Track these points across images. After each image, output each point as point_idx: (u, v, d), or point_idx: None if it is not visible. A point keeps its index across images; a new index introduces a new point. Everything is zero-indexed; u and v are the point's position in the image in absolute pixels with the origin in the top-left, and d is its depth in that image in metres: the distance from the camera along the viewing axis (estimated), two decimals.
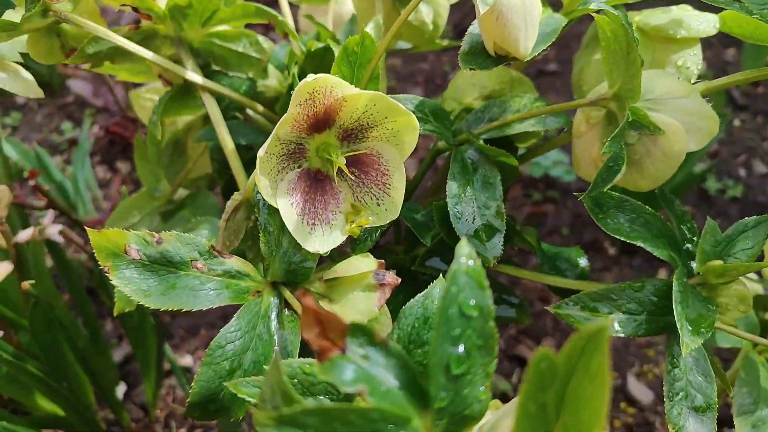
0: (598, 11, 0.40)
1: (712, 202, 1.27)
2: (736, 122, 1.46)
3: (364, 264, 0.39)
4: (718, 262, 0.38)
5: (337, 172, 0.40)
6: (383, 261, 0.41)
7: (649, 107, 0.39)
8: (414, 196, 0.51)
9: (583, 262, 0.47)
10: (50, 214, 0.75)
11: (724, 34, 1.57)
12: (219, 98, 0.52)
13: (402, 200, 0.39)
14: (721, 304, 0.40)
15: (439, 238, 0.45)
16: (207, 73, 0.55)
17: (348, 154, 0.39)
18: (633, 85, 0.37)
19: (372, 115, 0.38)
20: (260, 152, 0.35)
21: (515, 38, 0.37)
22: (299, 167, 0.39)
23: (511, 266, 0.47)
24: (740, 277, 0.40)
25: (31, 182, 0.76)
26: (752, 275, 0.69)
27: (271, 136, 0.36)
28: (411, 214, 0.46)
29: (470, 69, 0.39)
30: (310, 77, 0.34)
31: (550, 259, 0.46)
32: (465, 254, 0.23)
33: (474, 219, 0.41)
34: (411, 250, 0.49)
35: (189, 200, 0.58)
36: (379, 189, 0.40)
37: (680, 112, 0.39)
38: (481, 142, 0.44)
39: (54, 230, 0.74)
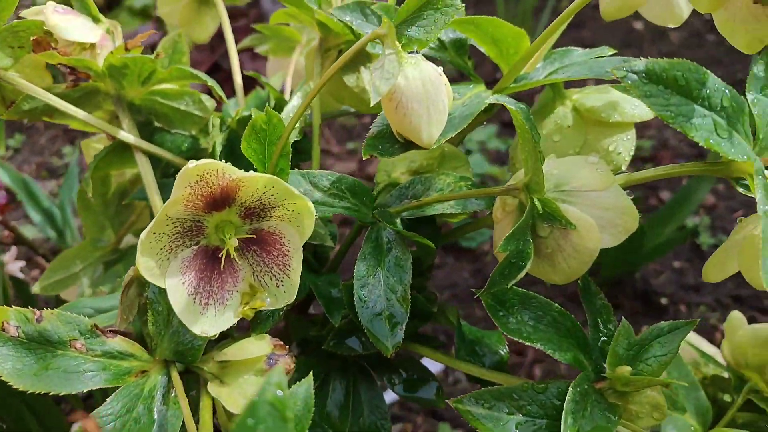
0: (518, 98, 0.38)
1: (705, 257, 1.23)
2: None
3: (256, 347, 0.38)
4: (626, 370, 0.36)
5: (238, 250, 0.39)
6: (281, 343, 0.39)
7: (563, 199, 0.37)
8: (344, 268, 0.50)
9: (502, 350, 0.44)
10: (13, 250, 0.75)
11: (731, 81, 1.53)
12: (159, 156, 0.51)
13: (298, 283, 0.38)
14: (631, 411, 0.38)
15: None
16: (149, 130, 0.54)
17: (245, 236, 0.38)
18: (539, 178, 0.35)
19: (273, 195, 0.37)
20: (143, 235, 0.34)
21: (416, 127, 0.35)
22: (196, 244, 0.38)
23: (429, 348, 0.45)
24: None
25: None
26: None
27: (156, 217, 0.35)
28: (328, 288, 0.44)
29: (375, 155, 0.37)
30: (192, 163, 0.33)
31: (469, 343, 0.44)
32: (274, 382, 0.22)
33: (379, 304, 0.39)
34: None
35: (129, 253, 0.58)
36: (280, 270, 0.39)
37: (596, 206, 0.37)
38: (398, 221, 0.42)
39: (15, 267, 0.74)
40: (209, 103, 0.54)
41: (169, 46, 0.54)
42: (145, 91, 0.52)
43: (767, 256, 0.29)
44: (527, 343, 0.36)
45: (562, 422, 0.32)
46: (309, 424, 0.31)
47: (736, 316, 0.62)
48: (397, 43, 0.35)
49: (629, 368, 0.36)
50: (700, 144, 0.33)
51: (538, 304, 0.37)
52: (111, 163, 0.52)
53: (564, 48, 0.47)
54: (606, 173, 0.38)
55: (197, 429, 0.34)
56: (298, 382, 0.35)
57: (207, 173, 0.35)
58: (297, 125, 0.48)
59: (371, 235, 0.42)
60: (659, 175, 0.38)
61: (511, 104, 0.34)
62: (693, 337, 0.70)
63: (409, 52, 0.36)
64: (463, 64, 0.45)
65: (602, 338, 0.39)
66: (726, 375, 0.63)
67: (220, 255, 0.39)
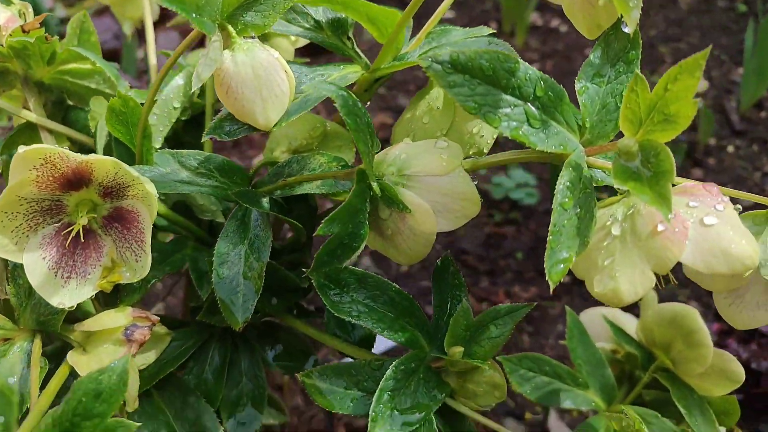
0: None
1: None
2: (730, 148, 1.37)
3: (113, 319, 0.40)
4: (458, 350, 0.37)
5: (102, 226, 0.41)
6: (146, 315, 0.42)
7: (403, 183, 0.38)
8: None
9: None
10: None
11: (738, 50, 1.49)
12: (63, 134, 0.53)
13: (151, 258, 0.40)
14: (469, 389, 0.39)
15: None
16: (64, 108, 0.56)
17: (106, 213, 0.40)
18: (368, 163, 0.36)
19: (123, 176, 0.39)
20: None
21: (250, 111, 0.36)
22: (58, 222, 0.40)
23: (302, 321, 0.46)
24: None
25: None
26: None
27: (3, 198, 0.37)
28: (204, 263, 0.46)
29: (218, 138, 0.38)
30: (22, 149, 0.35)
31: (339, 318, 0.46)
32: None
33: (236, 281, 0.41)
34: None
35: None
36: (138, 246, 0.40)
37: (434, 191, 0.37)
38: (265, 201, 0.44)
39: None
40: (119, 81, 0.56)
41: (77, 26, 0.55)
42: (53, 71, 0.54)
43: (554, 248, 0.30)
44: (355, 321, 0.37)
45: (375, 398, 0.34)
46: (122, 396, 0.33)
47: (650, 295, 0.62)
48: (229, 29, 0.36)
49: (461, 349, 0.37)
50: (506, 135, 0.33)
51: (374, 283, 0.38)
52: (17, 142, 0.54)
53: (444, 27, 0.46)
54: (450, 158, 0.38)
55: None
56: (141, 355, 0.38)
57: (51, 156, 0.37)
58: (179, 105, 0.49)
59: (237, 213, 0.43)
60: (502, 161, 0.38)
61: (331, 91, 0.35)
62: (622, 315, 0.70)
63: (246, 38, 0.37)
64: (341, 44, 0.45)
65: (450, 319, 0.40)
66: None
67: (84, 231, 0.41)
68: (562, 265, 0.30)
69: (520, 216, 1.24)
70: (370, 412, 0.33)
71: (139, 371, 0.45)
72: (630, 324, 0.67)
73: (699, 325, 0.55)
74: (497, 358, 0.55)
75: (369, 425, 0.33)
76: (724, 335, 0.94)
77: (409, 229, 0.37)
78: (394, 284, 0.39)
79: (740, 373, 0.55)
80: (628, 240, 0.31)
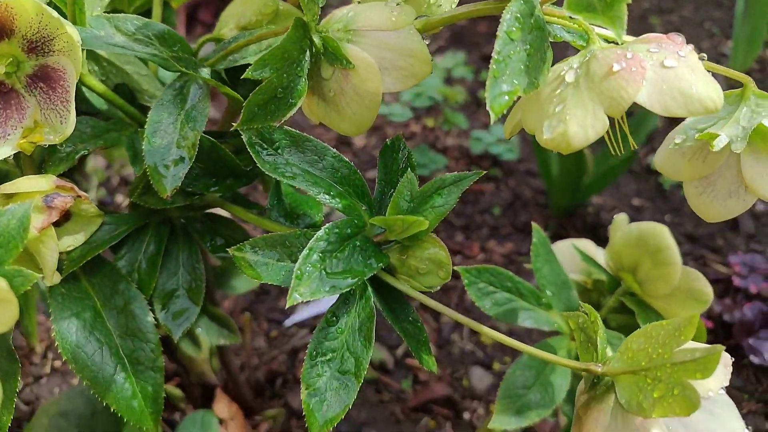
0: None
1: (666, 197, 1.19)
2: None
3: (31, 183, 0.37)
4: (399, 218, 0.34)
5: (26, 86, 0.38)
6: (70, 185, 0.39)
7: (348, 38, 0.35)
8: None
9: (317, 216, 0.43)
10: None
11: (729, 23, 1.47)
12: None
13: (75, 119, 0.37)
14: (411, 266, 0.36)
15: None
16: None
17: (31, 72, 0.37)
18: (314, 14, 0.33)
19: (47, 25, 0.36)
20: None
21: None
22: None
23: (242, 208, 0.43)
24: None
25: None
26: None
27: None
28: (133, 143, 0.43)
29: None
30: None
31: (286, 206, 0.43)
32: None
33: (168, 150, 0.38)
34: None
35: None
36: (63, 106, 0.38)
37: (380, 46, 0.35)
38: (207, 71, 0.41)
39: None
40: None
41: None
42: None
43: (497, 78, 0.27)
44: (288, 182, 0.34)
45: (302, 256, 0.31)
46: (21, 243, 0.30)
47: (620, 218, 0.60)
48: None
49: (402, 217, 0.35)
50: None
51: (313, 147, 0.35)
52: None
53: None
54: (401, 16, 0.36)
55: None
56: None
57: None
58: None
59: (175, 84, 0.41)
60: (456, 16, 0.35)
61: None
62: (593, 247, 0.68)
63: None
64: None
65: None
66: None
67: (5, 90, 0.38)
68: (506, 98, 0.27)
69: (500, 173, 1.21)
70: (295, 270, 0.31)
71: (67, 253, 0.42)
72: (601, 256, 0.65)
73: (667, 242, 0.53)
74: (456, 268, 0.52)
75: (293, 283, 0.30)
76: None
77: (353, 88, 0.35)
78: (334, 150, 0.36)
79: (708, 292, 0.53)
80: (582, 84, 0.29)
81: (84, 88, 0.46)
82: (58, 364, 0.92)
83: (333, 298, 0.97)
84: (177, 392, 0.83)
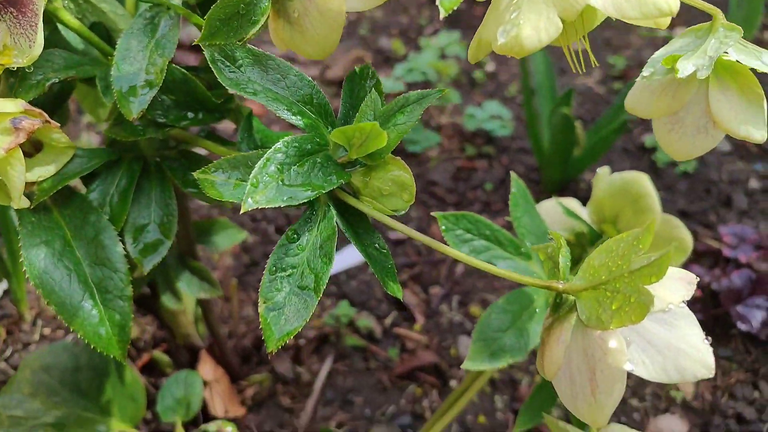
0: None
1: (660, 174, 1.18)
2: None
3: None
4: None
5: None
6: (41, 112, 0.39)
7: None
8: None
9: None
10: None
11: (723, 5, 1.45)
12: None
13: (43, 42, 0.37)
14: (375, 187, 0.36)
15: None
16: None
17: None
18: None
19: None
20: None
21: None
22: None
23: (214, 142, 0.44)
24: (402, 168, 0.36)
25: None
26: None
27: None
28: (106, 76, 0.43)
29: None
30: None
31: (255, 139, 0.43)
32: None
33: (137, 76, 0.38)
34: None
35: None
36: (32, 30, 0.38)
37: None
38: (177, 0, 0.41)
39: None
40: None
41: None
42: None
43: None
44: (250, 98, 0.34)
45: (258, 166, 0.31)
46: None
47: (602, 170, 0.59)
48: None
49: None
50: None
51: (276, 66, 0.35)
52: None
53: None
54: None
55: None
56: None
57: None
58: None
59: (146, 13, 0.41)
60: None
61: None
62: (578, 206, 0.68)
63: None
64: None
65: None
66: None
67: None
68: None
69: (494, 150, 1.21)
70: (250, 179, 0.31)
71: (38, 183, 0.42)
72: (585, 214, 0.64)
73: (648, 190, 0.53)
74: (434, 213, 0.52)
75: (248, 190, 0.30)
76: (689, 262, 0.92)
77: (316, 7, 0.35)
78: (297, 69, 0.36)
79: (688, 239, 0.53)
80: None
81: (61, 27, 0.46)
82: (47, 331, 0.92)
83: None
84: (164, 358, 0.83)
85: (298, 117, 0.35)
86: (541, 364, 0.32)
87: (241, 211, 0.30)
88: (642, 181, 0.53)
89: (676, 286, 0.31)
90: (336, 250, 1.00)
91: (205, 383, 0.76)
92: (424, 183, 1.17)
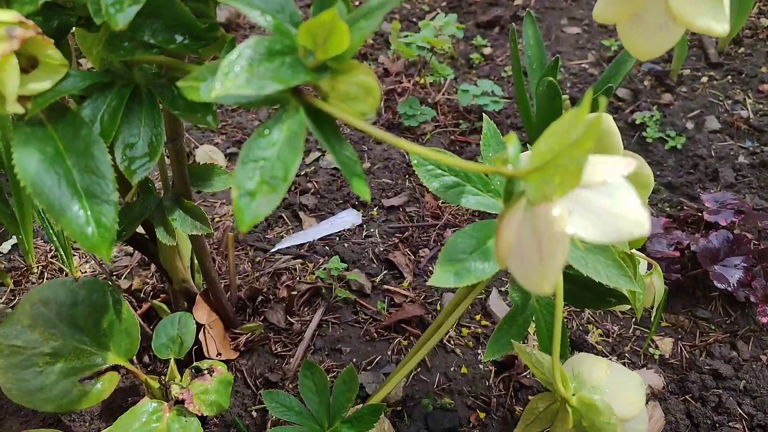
0: None
1: (649, 150, 1.19)
2: (704, 79, 1.35)
3: None
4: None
5: None
6: (34, 24, 0.41)
7: None
8: None
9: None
10: None
11: None
12: None
13: None
14: (341, 91, 0.37)
15: None
16: None
17: None
18: None
19: None
20: None
21: None
22: None
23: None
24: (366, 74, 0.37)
25: None
26: None
27: None
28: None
29: None
30: None
31: None
32: None
33: None
34: None
35: None
36: None
37: None
38: None
39: None
40: None
41: None
42: None
43: None
44: (228, 3, 0.36)
45: (228, 59, 0.33)
46: None
47: (566, 103, 0.60)
48: None
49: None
50: None
51: None
52: None
53: None
54: None
55: None
56: None
57: None
58: None
59: None
60: None
61: None
62: None
63: None
64: None
65: None
66: None
67: None
68: None
69: None
70: (221, 68, 0.32)
71: (32, 97, 0.44)
72: None
73: (612, 128, 0.54)
74: (405, 147, 0.54)
75: (218, 76, 0.32)
76: (671, 228, 0.92)
77: None
78: None
79: (649, 174, 0.54)
80: None
81: None
82: None
83: (314, 230, 0.99)
84: (162, 306, 0.85)
85: (269, 18, 0.36)
86: (497, 253, 0.33)
87: (212, 97, 0.32)
88: (606, 119, 0.54)
89: (616, 165, 0.33)
90: (332, 214, 1.02)
91: (201, 327, 0.78)
92: None
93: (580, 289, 0.61)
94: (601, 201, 0.31)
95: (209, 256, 0.75)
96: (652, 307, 0.63)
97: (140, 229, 0.75)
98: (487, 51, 1.45)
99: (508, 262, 0.34)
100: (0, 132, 0.68)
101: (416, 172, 0.53)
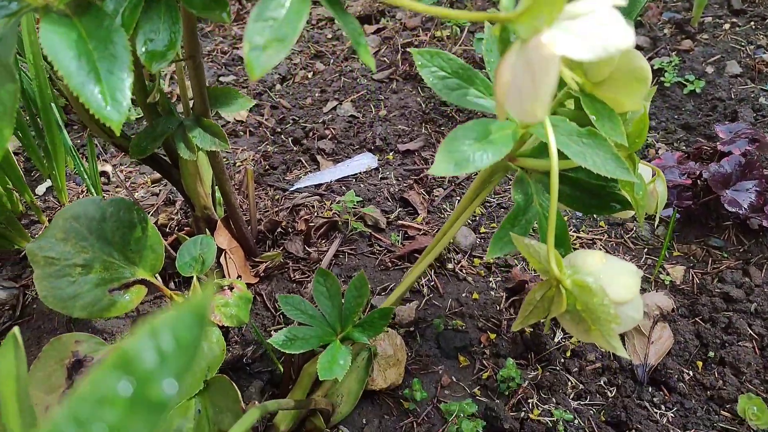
0: None
1: (667, 94, 1.18)
2: (726, 26, 1.32)
3: None
4: None
5: None
6: None
7: None
8: None
9: None
10: None
11: None
12: None
13: None
14: None
15: None
16: None
17: None
18: None
19: None
20: None
21: None
22: None
23: None
24: None
25: None
26: None
27: None
28: None
29: None
30: None
31: None
32: None
33: None
34: None
35: None
36: None
37: None
38: None
39: None
40: None
41: None
42: None
43: None
44: None
45: None
46: None
47: None
48: None
49: None
50: None
51: None
52: None
53: None
54: None
55: None
56: None
57: None
58: None
59: None
60: None
61: None
62: None
63: None
64: None
65: None
66: None
67: None
68: None
69: None
70: None
71: None
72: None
73: None
74: (410, 50, 0.55)
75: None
76: (685, 160, 0.92)
77: None
78: None
79: (646, 67, 0.54)
80: None
81: None
82: None
83: (331, 171, 1.01)
84: (187, 238, 0.89)
85: None
86: (497, 97, 0.35)
87: None
88: None
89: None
90: (349, 158, 1.04)
91: (221, 252, 0.81)
92: (436, 104, 1.20)
93: (585, 195, 0.62)
94: (588, 24, 0.32)
95: (228, 180, 0.78)
96: (654, 217, 0.64)
97: (165, 157, 0.79)
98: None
99: (507, 104, 0.36)
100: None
101: (420, 73, 0.55)
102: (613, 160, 0.55)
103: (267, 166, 1.08)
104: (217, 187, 0.82)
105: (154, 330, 0.16)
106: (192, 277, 0.76)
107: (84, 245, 0.70)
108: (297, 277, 0.86)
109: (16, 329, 0.29)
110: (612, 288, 0.51)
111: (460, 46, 1.31)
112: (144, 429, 0.15)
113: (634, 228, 0.91)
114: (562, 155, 0.46)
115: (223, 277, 0.81)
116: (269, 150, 1.12)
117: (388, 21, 1.43)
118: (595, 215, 0.98)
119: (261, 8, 0.38)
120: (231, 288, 0.74)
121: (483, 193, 0.64)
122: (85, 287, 0.69)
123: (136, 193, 1.03)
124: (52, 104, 0.90)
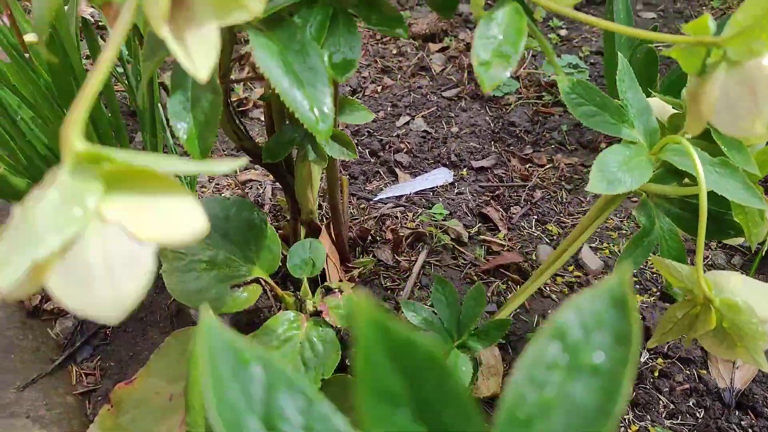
0: None
1: None
2: None
3: None
4: None
5: None
6: None
7: None
8: None
9: None
10: None
11: None
12: None
13: None
14: None
15: None
16: None
17: None
18: None
19: None
20: None
21: None
22: None
23: None
24: None
25: None
26: None
27: None
28: None
29: None
30: None
31: None
32: None
33: None
34: None
35: None
36: None
37: None
38: None
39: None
40: None
41: None
42: None
43: None
44: None
45: None
46: None
47: None
48: None
49: None
50: None
51: None
52: None
53: None
54: None
55: None
56: None
57: None
58: None
59: None
60: None
61: None
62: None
63: None
64: None
65: None
66: None
67: None
68: None
69: None
70: None
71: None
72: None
73: None
74: (553, 77, 0.58)
75: None
76: None
77: None
78: None
79: None
80: None
81: None
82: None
83: (411, 184, 1.04)
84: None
85: None
86: (696, 114, 0.38)
87: None
88: None
89: None
90: (425, 172, 1.07)
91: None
92: (503, 124, 1.23)
93: (706, 221, 0.65)
94: None
95: (339, 189, 0.81)
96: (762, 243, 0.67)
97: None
98: (563, 32, 1.48)
99: (716, 120, 0.38)
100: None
101: (563, 100, 0.58)
102: (744, 189, 0.58)
103: (348, 176, 1.11)
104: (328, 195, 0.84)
105: (579, 307, 0.19)
106: (302, 279, 0.78)
107: (209, 243, 0.72)
108: (388, 284, 0.88)
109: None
110: (758, 307, 0.53)
111: (524, 68, 1.34)
112: (583, 392, 0.17)
113: (710, 256, 0.94)
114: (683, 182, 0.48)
115: (325, 280, 0.83)
116: (348, 160, 1.14)
117: (450, 41, 1.47)
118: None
119: (481, 30, 0.41)
120: (340, 291, 0.76)
121: (605, 213, 0.66)
122: (210, 283, 0.71)
123: (222, 195, 1.05)
124: (159, 104, 0.92)
